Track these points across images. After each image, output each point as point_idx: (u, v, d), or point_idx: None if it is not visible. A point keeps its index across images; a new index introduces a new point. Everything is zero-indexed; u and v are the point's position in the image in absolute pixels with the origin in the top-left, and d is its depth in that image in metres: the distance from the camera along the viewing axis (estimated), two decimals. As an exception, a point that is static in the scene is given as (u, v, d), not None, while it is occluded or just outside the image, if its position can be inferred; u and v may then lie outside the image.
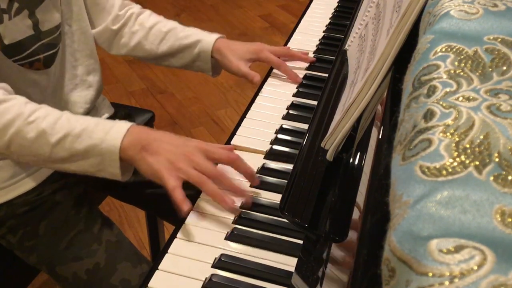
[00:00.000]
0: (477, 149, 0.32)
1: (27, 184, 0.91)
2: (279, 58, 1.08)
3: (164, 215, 1.16)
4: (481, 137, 0.33)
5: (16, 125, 0.74)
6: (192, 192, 0.79)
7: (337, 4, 1.40)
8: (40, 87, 0.90)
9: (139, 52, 1.08)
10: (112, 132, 0.75)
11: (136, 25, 1.06)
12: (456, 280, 0.26)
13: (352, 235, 0.53)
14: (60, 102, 0.96)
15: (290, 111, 0.97)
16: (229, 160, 0.77)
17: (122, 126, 0.76)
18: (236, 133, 0.92)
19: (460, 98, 0.37)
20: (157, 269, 0.68)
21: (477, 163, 0.32)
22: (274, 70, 1.10)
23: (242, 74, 1.05)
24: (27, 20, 0.83)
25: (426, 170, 0.32)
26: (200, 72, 1.10)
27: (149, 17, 1.08)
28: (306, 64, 1.12)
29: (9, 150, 0.76)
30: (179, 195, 0.73)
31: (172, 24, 1.07)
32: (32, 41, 0.85)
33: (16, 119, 0.74)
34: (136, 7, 1.09)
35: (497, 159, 0.32)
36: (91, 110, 1.03)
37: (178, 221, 0.77)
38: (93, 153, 0.75)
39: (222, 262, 0.69)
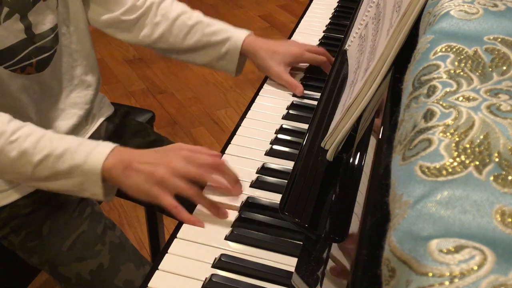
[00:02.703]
0: (477, 149, 0.32)
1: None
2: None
3: (164, 210, 1.16)
4: (481, 137, 0.33)
5: None
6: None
7: (337, 4, 1.40)
8: (31, 91, 0.88)
9: (162, 44, 1.03)
10: (95, 153, 0.75)
11: (159, 15, 1.01)
12: (456, 280, 0.26)
13: (352, 235, 0.53)
14: (56, 106, 0.95)
15: (290, 111, 0.97)
16: (214, 164, 0.75)
17: (105, 147, 0.76)
18: (236, 133, 0.92)
19: (460, 98, 0.37)
20: (157, 269, 0.68)
21: (477, 163, 0.32)
22: None
23: (284, 83, 1.01)
24: (19, 24, 0.82)
25: (426, 170, 0.32)
26: (222, 71, 1.05)
27: (171, 6, 1.02)
28: (306, 65, 1.12)
29: None
30: (185, 215, 0.74)
31: (197, 16, 1.02)
32: (24, 45, 0.83)
33: None
34: None
35: (497, 159, 0.32)
36: (91, 110, 1.03)
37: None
38: (75, 173, 0.75)
39: (222, 262, 0.69)
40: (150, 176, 0.73)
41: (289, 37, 1.23)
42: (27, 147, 0.74)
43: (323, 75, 1.05)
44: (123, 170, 0.74)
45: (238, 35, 1.00)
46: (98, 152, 0.75)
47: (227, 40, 0.99)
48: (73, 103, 0.97)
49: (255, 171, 0.83)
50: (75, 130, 0.97)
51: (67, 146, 0.75)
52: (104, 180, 0.75)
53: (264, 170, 0.84)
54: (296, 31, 1.27)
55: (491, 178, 0.31)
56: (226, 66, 1.03)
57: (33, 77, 0.87)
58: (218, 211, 0.75)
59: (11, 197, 0.90)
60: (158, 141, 1.10)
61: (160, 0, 1.02)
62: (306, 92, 1.02)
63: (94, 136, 1.02)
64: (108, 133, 1.06)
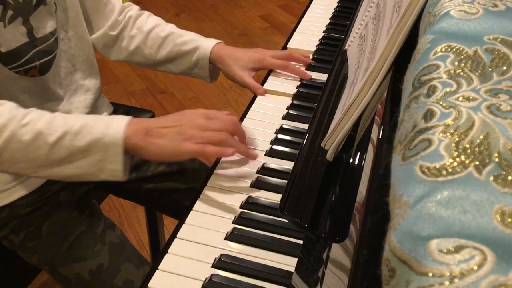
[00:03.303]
0: (477, 149, 0.32)
1: (30, 185, 0.91)
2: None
3: (165, 209, 1.16)
4: (481, 137, 0.33)
5: (9, 129, 0.71)
6: (196, 185, 0.80)
7: (337, 4, 1.40)
8: (33, 94, 0.89)
9: (138, 57, 1.07)
10: (113, 125, 0.74)
11: (135, 29, 1.05)
12: (456, 280, 0.26)
13: (352, 235, 0.53)
14: (56, 109, 0.94)
15: (290, 111, 0.97)
16: (232, 127, 0.80)
17: (121, 118, 0.76)
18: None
19: (460, 98, 0.37)
20: (157, 269, 0.68)
21: (477, 163, 0.32)
22: (273, 72, 1.10)
23: (247, 86, 1.04)
24: (22, 28, 0.83)
25: (426, 170, 0.32)
26: (198, 78, 1.09)
27: (147, 20, 1.06)
28: (305, 65, 1.12)
29: (1, 159, 0.72)
30: (213, 149, 0.76)
31: (170, 28, 1.06)
32: (27, 48, 0.84)
33: (9, 123, 0.71)
34: (135, 9, 1.08)
35: (497, 159, 0.32)
36: (91, 113, 1.03)
37: (179, 214, 0.77)
38: (95, 149, 0.73)
39: (222, 262, 0.69)
40: (176, 135, 0.75)
41: (289, 37, 1.23)
42: (41, 128, 0.72)
43: (323, 75, 1.05)
44: (144, 137, 0.75)
45: (207, 45, 1.04)
46: (117, 124, 0.74)
47: (196, 49, 1.04)
48: (74, 107, 0.97)
49: (255, 171, 0.83)
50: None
51: (84, 122, 0.73)
52: (125, 152, 0.74)
53: (264, 170, 0.84)
54: (296, 31, 1.27)
55: (491, 178, 0.31)
56: (200, 73, 1.07)
57: (36, 80, 0.88)
58: (249, 152, 0.81)
59: (11, 196, 0.90)
60: None
61: (137, 14, 1.07)
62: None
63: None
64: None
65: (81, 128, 0.73)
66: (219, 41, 1.05)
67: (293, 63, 1.10)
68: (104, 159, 0.73)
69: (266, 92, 1.04)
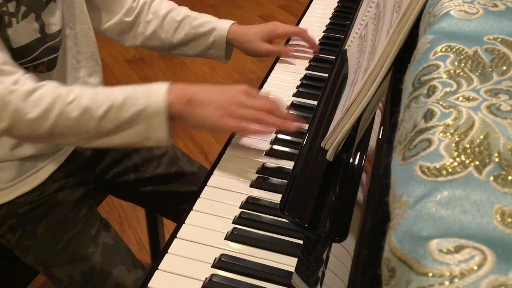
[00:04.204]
0: (477, 149, 0.32)
1: (30, 184, 0.91)
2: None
3: (164, 211, 1.16)
4: (481, 137, 0.33)
5: (57, 108, 0.74)
6: (195, 188, 0.80)
7: (337, 4, 1.40)
8: None
9: (154, 41, 1.08)
10: (154, 94, 0.76)
11: (150, 14, 1.07)
12: (456, 280, 0.26)
13: (352, 235, 0.53)
14: None
15: (290, 111, 0.97)
16: (272, 105, 0.81)
17: (160, 85, 0.78)
18: (236, 133, 0.92)
19: (460, 98, 0.37)
20: (157, 269, 0.68)
21: (477, 163, 0.32)
22: (273, 72, 1.10)
23: (271, 53, 1.09)
24: (34, 24, 0.83)
25: (426, 170, 0.32)
26: (212, 59, 1.12)
27: (161, 4, 1.08)
28: (306, 65, 1.12)
29: (53, 134, 0.76)
30: (252, 127, 0.78)
31: (184, 11, 1.08)
32: (38, 44, 0.85)
33: (56, 102, 0.74)
34: None
35: (497, 159, 0.32)
36: None
37: (178, 217, 0.77)
38: (139, 120, 0.75)
39: (222, 262, 0.69)
40: (217, 108, 0.77)
41: (289, 37, 1.23)
42: (87, 104, 0.75)
43: (323, 74, 1.05)
44: (186, 104, 0.77)
45: (223, 25, 1.07)
46: (157, 92, 0.76)
47: (213, 31, 1.06)
48: None
49: (255, 171, 0.83)
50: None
51: (125, 95, 0.76)
52: (169, 118, 0.76)
53: (264, 170, 0.84)
54: (296, 31, 1.27)
55: (491, 178, 0.31)
56: (215, 54, 1.10)
57: (44, 76, 0.88)
58: (291, 126, 0.81)
59: (10, 195, 0.90)
60: None
61: (151, 0, 1.08)
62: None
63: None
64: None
65: (124, 100, 0.75)
66: (233, 21, 1.08)
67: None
68: (149, 128, 0.76)
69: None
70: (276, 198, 0.78)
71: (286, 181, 0.77)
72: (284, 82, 1.07)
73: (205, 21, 1.07)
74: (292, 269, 0.66)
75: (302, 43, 1.17)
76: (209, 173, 0.83)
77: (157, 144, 0.78)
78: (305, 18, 1.34)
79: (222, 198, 0.79)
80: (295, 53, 1.15)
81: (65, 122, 0.74)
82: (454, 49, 0.42)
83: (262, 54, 1.09)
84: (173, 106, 0.75)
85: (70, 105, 0.74)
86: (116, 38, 1.09)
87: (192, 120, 0.77)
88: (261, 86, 1.06)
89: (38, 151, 0.90)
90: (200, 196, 0.79)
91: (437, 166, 0.32)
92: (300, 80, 1.07)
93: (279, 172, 0.83)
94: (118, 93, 0.76)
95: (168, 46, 1.09)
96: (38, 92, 0.74)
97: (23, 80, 0.75)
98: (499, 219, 0.29)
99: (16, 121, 0.74)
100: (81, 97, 0.75)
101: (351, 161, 0.66)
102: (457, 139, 0.33)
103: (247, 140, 0.90)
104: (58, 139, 0.78)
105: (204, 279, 0.67)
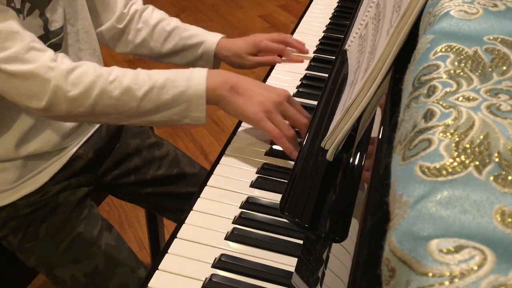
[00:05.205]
0: (477, 149, 0.32)
1: (32, 185, 0.91)
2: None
3: (164, 212, 1.16)
4: (481, 137, 0.33)
5: (98, 86, 0.75)
6: (195, 190, 0.80)
7: (337, 4, 1.40)
8: None
9: (144, 50, 1.09)
10: (195, 77, 0.78)
11: (140, 22, 1.07)
12: (456, 280, 0.26)
13: (352, 235, 0.53)
14: None
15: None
16: (301, 125, 0.83)
17: (200, 70, 0.80)
18: (236, 133, 0.92)
19: (460, 98, 0.37)
20: (157, 269, 0.68)
21: (477, 163, 0.32)
22: (273, 72, 1.10)
23: (259, 63, 1.10)
24: (39, 20, 0.84)
25: (426, 170, 0.32)
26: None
27: (152, 14, 1.08)
28: (306, 65, 1.12)
29: (93, 113, 0.77)
30: (286, 144, 0.80)
31: (175, 22, 1.08)
32: (42, 41, 0.84)
33: (97, 81, 0.75)
34: (138, 2, 1.09)
35: (497, 159, 0.32)
36: None
37: (178, 218, 0.77)
38: (179, 101, 0.78)
39: (222, 262, 0.69)
40: (260, 103, 0.79)
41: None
42: (129, 83, 0.76)
43: (323, 74, 1.05)
44: (229, 91, 0.79)
45: (212, 39, 1.08)
46: (198, 76, 0.78)
47: (201, 43, 1.07)
48: None
49: (255, 171, 0.83)
50: (78, 129, 0.97)
51: (166, 76, 0.78)
52: (207, 102, 0.78)
53: (264, 170, 0.84)
54: (296, 31, 1.27)
55: (491, 178, 0.31)
56: (204, 65, 1.10)
57: None
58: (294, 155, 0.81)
59: (12, 196, 0.90)
60: (156, 144, 1.10)
61: (142, 8, 1.09)
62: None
63: (95, 136, 1.02)
64: (109, 133, 1.07)
65: (164, 82, 0.78)
66: (222, 35, 1.08)
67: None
68: (188, 109, 0.79)
69: None
70: (276, 198, 0.78)
71: (286, 181, 0.77)
72: (284, 82, 1.07)
73: (194, 33, 1.07)
74: (292, 269, 0.66)
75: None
76: (209, 173, 0.83)
77: (194, 122, 0.81)
78: (305, 18, 1.34)
79: (222, 198, 0.79)
80: (286, 58, 1.14)
81: (106, 101, 0.76)
82: (454, 49, 0.42)
83: (250, 67, 1.10)
84: (216, 90, 0.78)
85: (111, 85, 0.76)
86: (108, 44, 1.09)
87: (232, 106, 0.80)
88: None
89: (42, 148, 0.90)
90: (200, 196, 0.79)
91: (437, 166, 0.32)
92: (300, 80, 1.07)
93: (279, 172, 0.83)
94: (159, 75, 0.78)
95: (157, 55, 1.10)
96: (78, 70, 0.75)
97: (61, 58, 0.76)
98: (499, 219, 0.29)
99: (56, 100, 0.74)
100: (122, 77, 0.77)
101: (351, 161, 0.66)
102: (457, 139, 0.33)
103: (247, 140, 0.90)
104: (96, 118, 0.80)
105: (204, 279, 0.67)
